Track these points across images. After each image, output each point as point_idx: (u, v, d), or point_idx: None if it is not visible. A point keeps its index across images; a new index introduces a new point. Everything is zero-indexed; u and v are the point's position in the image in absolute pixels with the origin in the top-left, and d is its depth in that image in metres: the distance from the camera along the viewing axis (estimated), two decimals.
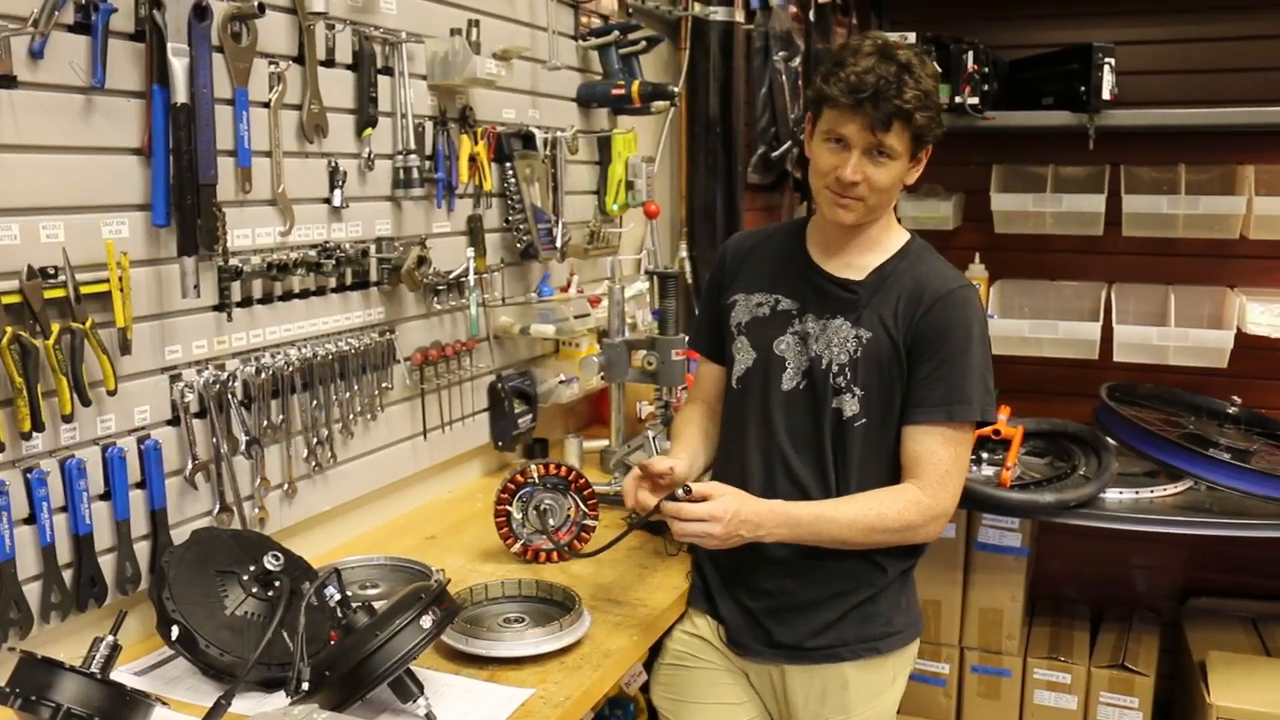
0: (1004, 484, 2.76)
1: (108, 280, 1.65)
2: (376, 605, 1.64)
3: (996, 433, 2.96)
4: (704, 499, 1.84)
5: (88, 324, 1.61)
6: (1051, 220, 3.39)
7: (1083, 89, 3.01)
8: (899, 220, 2.08)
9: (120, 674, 1.58)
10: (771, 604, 2.03)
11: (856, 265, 2.01)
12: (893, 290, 1.96)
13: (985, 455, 2.95)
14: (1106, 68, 2.96)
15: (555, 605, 1.94)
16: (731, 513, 1.84)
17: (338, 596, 1.59)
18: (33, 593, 1.61)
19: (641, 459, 2.00)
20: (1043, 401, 3.38)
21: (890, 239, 2.03)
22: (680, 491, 1.86)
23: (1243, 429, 3.09)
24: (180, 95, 1.70)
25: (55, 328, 1.57)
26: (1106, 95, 2.98)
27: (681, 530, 1.85)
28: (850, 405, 1.96)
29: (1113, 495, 2.79)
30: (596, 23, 3.09)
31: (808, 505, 1.94)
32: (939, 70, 1.92)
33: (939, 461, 1.92)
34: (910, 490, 1.93)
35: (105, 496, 1.72)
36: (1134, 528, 2.76)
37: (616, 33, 3.02)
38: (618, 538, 2.08)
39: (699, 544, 1.92)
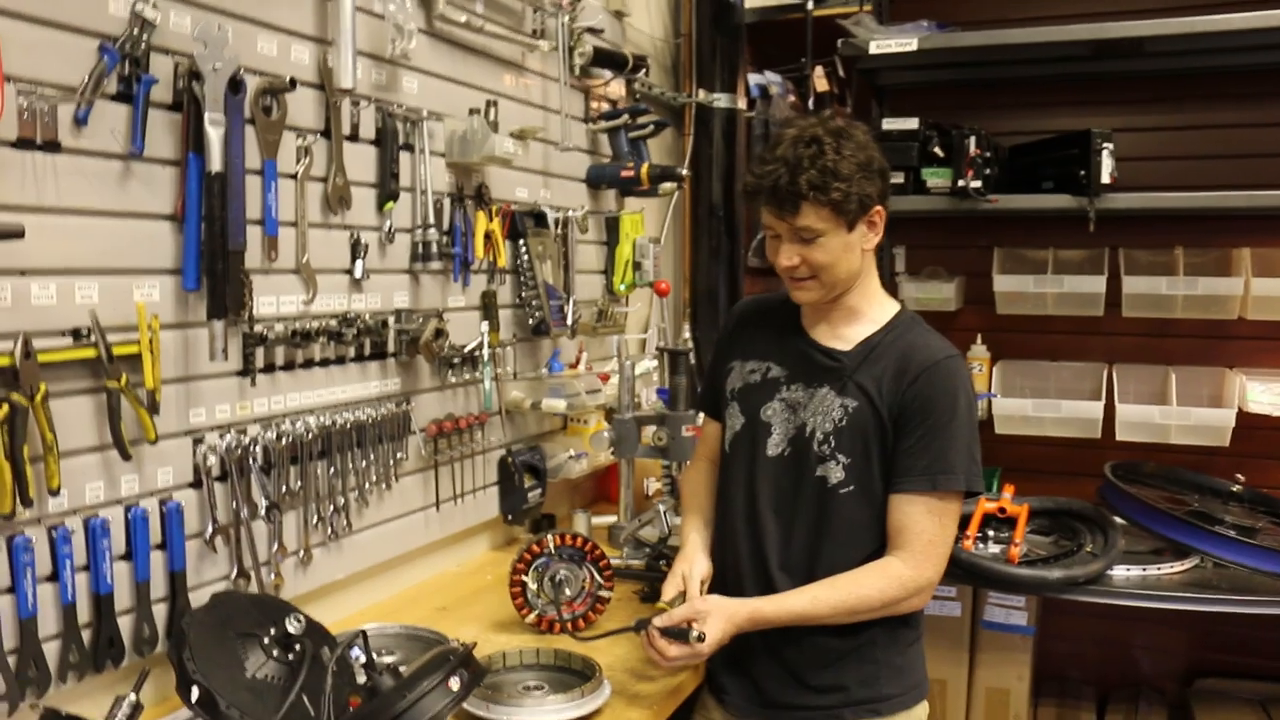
0: (1011, 561, 2.76)
1: (138, 342, 1.67)
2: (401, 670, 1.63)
3: (1002, 511, 2.97)
4: (689, 622, 1.89)
5: (123, 381, 1.63)
6: (1052, 301, 3.43)
7: (1082, 173, 3.07)
8: (898, 297, 2.09)
9: None
10: (769, 668, 2.02)
11: (845, 336, 2.02)
12: (879, 361, 1.96)
13: (991, 533, 2.95)
14: (1105, 152, 3.03)
15: (574, 674, 1.93)
16: (709, 647, 1.88)
17: (363, 659, 1.58)
18: (51, 651, 1.61)
19: (660, 618, 1.94)
20: (1046, 481, 3.39)
21: (878, 311, 2.04)
22: (657, 619, 1.91)
23: (1247, 507, 3.09)
24: (215, 164, 1.75)
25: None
26: (1106, 179, 3.05)
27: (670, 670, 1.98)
28: (835, 473, 1.95)
29: (1120, 572, 2.79)
30: (606, 107, 3.17)
31: (788, 602, 1.93)
32: (865, 134, 1.91)
33: (922, 532, 1.91)
34: (892, 565, 1.92)
35: (126, 557, 1.72)
36: (1142, 604, 2.75)
37: (626, 116, 3.10)
38: (620, 629, 2.06)
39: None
